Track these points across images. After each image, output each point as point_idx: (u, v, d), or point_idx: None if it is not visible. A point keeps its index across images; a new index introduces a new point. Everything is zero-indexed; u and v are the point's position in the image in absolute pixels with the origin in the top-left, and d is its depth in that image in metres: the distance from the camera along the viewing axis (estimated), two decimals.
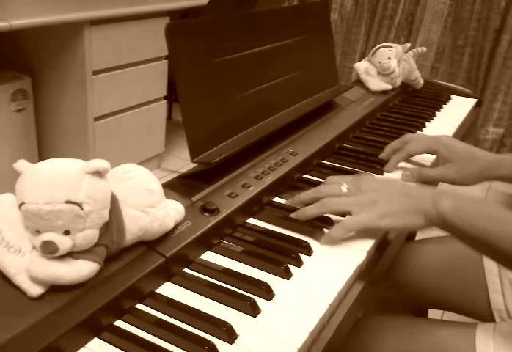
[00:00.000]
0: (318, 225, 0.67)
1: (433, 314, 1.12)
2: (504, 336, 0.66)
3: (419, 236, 1.15)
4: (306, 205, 0.68)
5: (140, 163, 0.56)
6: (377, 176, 0.69)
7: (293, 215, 0.69)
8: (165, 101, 2.18)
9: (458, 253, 0.89)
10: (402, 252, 0.94)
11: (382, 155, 0.88)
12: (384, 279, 0.98)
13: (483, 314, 0.83)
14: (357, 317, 0.63)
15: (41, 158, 1.97)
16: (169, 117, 2.70)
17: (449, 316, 0.84)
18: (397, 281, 0.95)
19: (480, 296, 0.84)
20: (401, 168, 0.86)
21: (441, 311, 1.33)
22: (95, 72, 1.78)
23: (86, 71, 1.75)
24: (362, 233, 0.67)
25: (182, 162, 2.34)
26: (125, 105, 1.97)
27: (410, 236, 1.22)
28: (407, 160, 0.88)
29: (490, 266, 0.84)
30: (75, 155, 1.92)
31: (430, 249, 0.93)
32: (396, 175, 0.84)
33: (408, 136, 0.87)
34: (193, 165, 0.72)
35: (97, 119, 1.86)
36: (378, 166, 0.86)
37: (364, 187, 0.66)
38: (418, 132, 1.05)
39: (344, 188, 0.67)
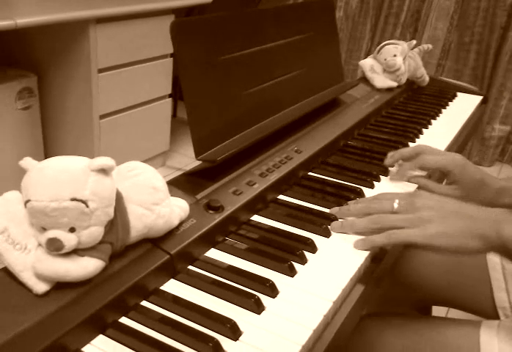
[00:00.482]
0: (322, 222, 0.67)
1: (438, 311, 1.12)
2: (508, 334, 0.66)
3: None
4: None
5: (145, 161, 0.56)
6: (431, 194, 0.66)
7: (337, 224, 0.66)
8: (170, 99, 2.18)
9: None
10: (406, 249, 0.94)
11: (388, 161, 0.83)
12: (389, 277, 0.98)
13: (488, 311, 0.83)
14: (361, 314, 0.63)
15: (47, 156, 1.98)
16: (174, 115, 2.71)
17: (453, 313, 0.83)
18: (402, 279, 0.95)
19: (484, 293, 0.84)
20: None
21: (446, 308, 1.33)
22: (101, 70, 1.78)
23: (92, 69, 1.75)
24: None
25: (187, 160, 2.34)
26: (131, 103, 1.97)
27: None
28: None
29: (494, 263, 0.84)
30: (80, 152, 1.93)
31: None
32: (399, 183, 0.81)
33: (422, 146, 0.82)
34: (198, 162, 0.72)
35: (102, 117, 1.87)
36: (383, 164, 0.86)
37: (418, 204, 0.63)
38: (424, 129, 1.05)
39: (396, 205, 0.64)
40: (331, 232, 0.66)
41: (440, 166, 0.79)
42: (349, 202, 0.72)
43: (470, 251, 0.60)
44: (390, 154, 0.84)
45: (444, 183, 0.81)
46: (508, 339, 0.65)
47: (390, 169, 0.85)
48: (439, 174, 0.85)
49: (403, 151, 0.83)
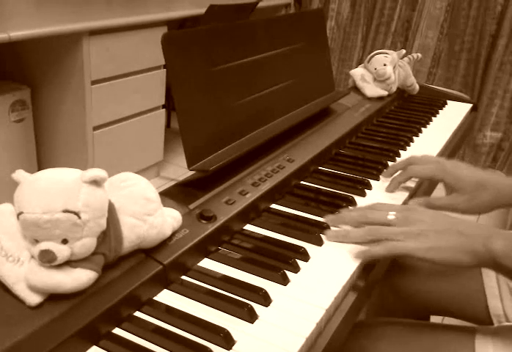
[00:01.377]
0: (315, 231, 0.67)
1: (433, 319, 1.12)
2: (503, 340, 0.66)
3: None
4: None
5: (139, 172, 0.57)
6: (425, 209, 0.67)
7: (332, 233, 0.67)
8: (163, 110, 2.19)
9: None
10: (400, 259, 0.94)
11: (384, 175, 0.85)
12: (383, 286, 0.98)
13: (482, 319, 0.84)
14: (355, 321, 0.63)
15: (40, 168, 1.98)
16: (168, 126, 2.71)
17: (448, 322, 0.84)
18: (396, 288, 0.95)
19: (479, 301, 0.84)
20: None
21: (441, 317, 1.33)
22: (94, 82, 1.79)
23: (85, 81, 1.76)
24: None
25: (181, 170, 2.35)
26: (124, 114, 1.98)
27: None
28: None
29: (488, 271, 0.84)
30: (74, 164, 1.93)
31: None
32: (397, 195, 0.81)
33: (414, 157, 0.82)
34: (192, 173, 0.73)
35: (96, 128, 1.87)
36: (375, 172, 0.86)
37: (412, 218, 0.64)
38: (415, 137, 1.06)
39: (391, 217, 0.64)
40: (324, 241, 0.67)
41: (431, 176, 0.79)
42: (342, 210, 0.72)
43: (462, 265, 0.61)
44: (387, 170, 0.86)
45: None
46: (503, 346, 0.65)
47: (381, 177, 0.86)
48: (431, 182, 0.85)
49: (396, 164, 0.84)
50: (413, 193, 0.84)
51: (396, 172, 0.83)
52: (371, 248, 0.63)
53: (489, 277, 0.83)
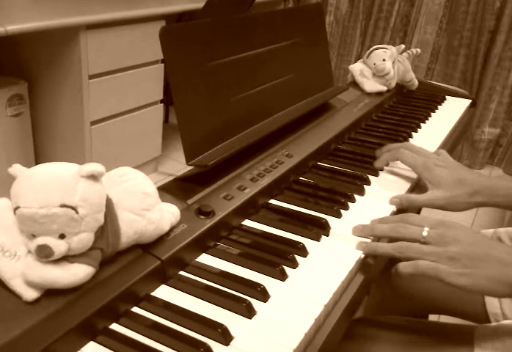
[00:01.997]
0: (313, 226, 0.67)
1: (430, 318, 1.12)
2: (501, 339, 0.66)
3: None
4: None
5: (137, 167, 0.56)
6: (463, 226, 0.63)
7: (360, 245, 0.64)
8: (161, 105, 2.18)
9: None
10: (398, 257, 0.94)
11: (377, 152, 0.88)
12: (382, 285, 0.98)
13: (480, 317, 0.84)
14: (353, 317, 0.63)
15: (37, 163, 1.97)
16: (166, 121, 2.71)
17: (446, 320, 0.84)
18: (394, 286, 0.95)
19: (476, 299, 0.84)
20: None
21: (437, 315, 1.33)
22: (91, 77, 1.78)
23: (83, 75, 1.75)
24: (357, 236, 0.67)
25: (179, 165, 2.34)
26: (122, 109, 1.97)
27: None
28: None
29: None
30: (71, 159, 1.92)
31: None
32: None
33: (410, 144, 0.84)
34: (190, 168, 0.72)
35: (93, 123, 1.86)
36: (374, 167, 0.86)
37: (448, 237, 0.59)
38: (414, 133, 1.05)
39: (425, 233, 0.60)
40: (322, 236, 0.66)
41: (410, 165, 0.80)
42: (372, 220, 0.69)
43: (497, 296, 0.60)
44: (380, 148, 0.88)
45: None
46: (501, 345, 0.65)
47: (380, 173, 0.86)
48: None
49: (391, 145, 0.87)
50: (412, 188, 0.84)
51: (387, 150, 0.86)
52: (401, 264, 0.60)
53: None
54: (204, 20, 0.76)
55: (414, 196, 0.76)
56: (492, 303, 0.82)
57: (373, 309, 1.08)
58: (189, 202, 0.65)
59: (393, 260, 0.62)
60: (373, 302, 1.08)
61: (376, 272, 0.66)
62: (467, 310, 0.86)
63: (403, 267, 0.60)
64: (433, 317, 1.07)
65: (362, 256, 0.63)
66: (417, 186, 0.85)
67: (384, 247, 0.62)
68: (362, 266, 0.63)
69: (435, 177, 0.76)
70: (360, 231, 0.66)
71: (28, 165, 0.48)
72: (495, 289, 0.57)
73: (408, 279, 0.91)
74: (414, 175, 0.84)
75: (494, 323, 0.81)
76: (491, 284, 0.57)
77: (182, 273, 0.58)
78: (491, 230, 0.92)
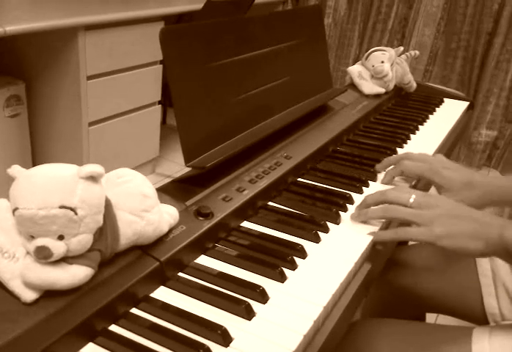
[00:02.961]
0: (312, 228, 0.67)
1: (428, 317, 1.12)
2: (500, 340, 0.66)
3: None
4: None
5: (135, 168, 0.56)
6: (447, 198, 0.69)
7: (354, 214, 0.71)
8: (159, 106, 2.18)
9: (452, 256, 0.89)
10: (396, 256, 0.94)
11: (378, 167, 0.87)
12: (380, 283, 0.98)
13: (478, 317, 0.84)
14: (352, 319, 0.63)
15: (35, 164, 1.96)
16: (164, 122, 2.70)
17: (443, 319, 0.84)
18: (393, 286, 0.95)
19: (475, 299, 0.84)
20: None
21: (436, 314, 1.33)
22: (90, 77, 1.78)
23: (81, 76, 1.75)
24: (355, 237, 0.67)
25: (177, 167, 2.34)
26: (120, 110, 1.97)
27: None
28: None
29: (484, 270, 0.85)
30: (69, 160, 1.92)
31: (424, 253, 0.93)
32: None
33: (410, 153, 0.84)
34: (188, 169, 0.72)
35: (91, 124, 1.86)
36: (372, 169, 0.86)
37: (431, 201, 0.66)
38: (412, 135, 1.06)
39: (412, 200, 0.66)
40: (321, 238, 0.67)
41: (417, 174, 0.81)
42: (357, 206, 0.73)
43: (472, 252, 0.63)
44: (381, 163, 0.87)
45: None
46: (500, 346, 0.65)
47: (378, 175, 0.86)
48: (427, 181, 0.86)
49: (391, 158, 0.86)
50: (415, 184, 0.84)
51: (389, 166, 0.85)
52: (381, 232, 0.67)
53: (486, 276, 0.84)
54: (203, 21, 0.76)
55: None
56: (491, 305, 0.82)
57: (371, 310, 1.08)
58: (188, 203, 0.65)
59: (391, 257, 0.63)
60: (370, 304, 1.08)
61: (375, 273, 0.66)
62: (465, 310, 0.86)
63: (386, 233, 0.66)
64: (431, 317, 1.07)
65: (361, 258, 0.63)
66: (417, 188, 0.85)
67: (374, 210, 0.68)
68: (361, 268, 0.63)
69: (446, 180, 0.77)
70: (356, 218, 0.71)
71: (25, 166, 0.48)
72: (472, 246, 0.62)
73: (404, 275, 0.92)
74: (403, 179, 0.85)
75: (492, 324, 0.81)
76: (469, 241, 0.62)
77: (181, 274, 0.58)
78: None
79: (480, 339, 0.67)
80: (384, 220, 0.71)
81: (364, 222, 0.71)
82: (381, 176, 0.86)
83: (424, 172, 0.80)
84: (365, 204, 0.71)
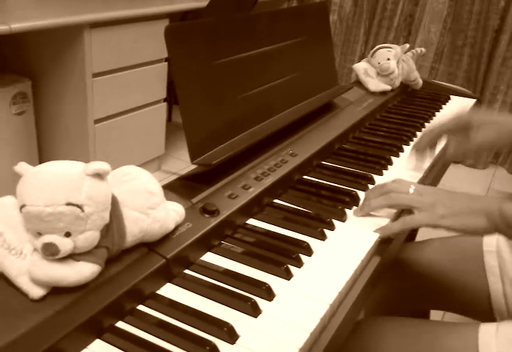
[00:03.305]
0: (318, 225, 0.67)
1: (434, 315, 1.11)
2: (506, 337, 0.66)
3: (419, 237, 1.15)
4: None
5: (140, 165, 0.56)
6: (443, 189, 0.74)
7: (357, 209, 0.73)
8: (165, 103, 2.18)
9: (459, 253, 0.89)
10: (403, 253, 0.94)
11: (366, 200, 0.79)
12: (386, 280, 0.98)
13: (484, 314, 0.83)
14: (358, 317, 0.63)
15: (41, 161, 1.97)
16: (169, 119, 2.71)
17: (450, 317, 0.84)
18: (399, 282, 0.95)
19: (482, 297, 0.84)
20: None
21: (442, 312, 1.33)
22: (95, 75, 1.78)
23: (86, 74, 1.75)
24: (361, 234, 0.67)
25: (182, 164, 2.34)
26: (125, 107, 1.97)
27: (411, 237, 1.22)
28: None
29: (491, 267, 0.84)
30: (75, 157, 1.92)
31: (431, 250, 0.93)
32: None
33: (465, 115, 0.87)
34: (193, 167, 0.72)
35: (97, 121, 1.86)
36: (378, 167, 0.86)
37: (428, 190, 0.71)
38: (418, 132, 1.05)
39: (411, 190, 0.70)
40: (327, 235, 0.66)
41: (464, 121, 0.85)
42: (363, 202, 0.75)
43: (475, 229, 0.65)
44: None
45: None
46: (507, 342, 0.65)
47: (384, 171, 0.85)
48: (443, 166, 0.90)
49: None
50: (425, 177, 0.86)
51: (426, 144, 0.88)
52: (389, 224, 0.69)
53: (493, 274, 0.83)
54: (209, 18, 0.76)
55: (472, 140, 0.83)
56: (497, 301, 0.82)
57: (374, 309, 1.08)
58: (194, 200, 0.65)
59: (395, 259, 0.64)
60: (374, 302, 1.08)
61: (382, 271, 0.66)
62: (472, 307, 0.86)
63: (394, 225, 0.68)
64: (437, 316, 1.07)
65: (368, 255, 0.63)
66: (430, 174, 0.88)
67: (377, 200, 0.71)
68: (368, 265, 0.63)
69: (485, 121, 0.83)
70: (359, 211, 0.72)
71: (31, 163, 0.48)
72: (472, 222, 0.65)
73: (406, 271, 0.92)
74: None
75: (498, 322, 0.81)
76: (469, 217, 0.65)
77: (187, 271, 0.58)
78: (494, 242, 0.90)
79: (487, 335, 0.66)
80: (388, 219, 0.71)
81: (370, 217, 0.71)
82: (386, 173, 0.86)
83: (469, 121, 0.83)
84: (367, 198, 0.73)
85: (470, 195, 0.69)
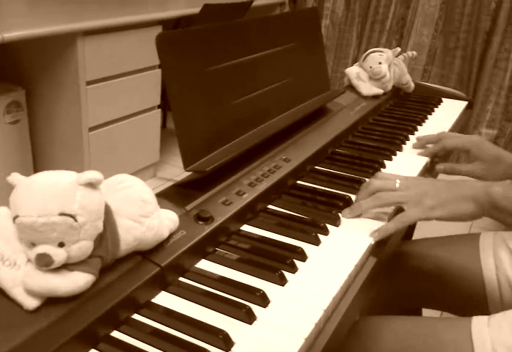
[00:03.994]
0: (312, 230, 0.67)
1: (432, 315, 1.12)
2: (499, 327, 0.66)
3: (416, 236, 1.15)
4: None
5: (136, 173, 0.57)
6: (426, 178, 0.79)
7: (346, 210, 0.73)
8: (159, 110, 2.19)
9: (454, 252, 0.90)
10: (399, 251, 0.94)
11: (416, 145, 0.97)
12: (381, 279, 0.98)
13: (480, 312, 0.84)
14: (353, 320, 0.63)
15: (36, 170, 1.97)
16: (164, 126, 2.71)
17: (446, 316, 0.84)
18: (394, 281, 0.95)
19: (478, 295, 0.84)
20: None
21: (440, 312, 1.33)
22: (89, 83, 1.79)
23: (80, 81, 1.75)
24: (355, 239, 0.67)
25: (178, 170, 2.34)
26: (120, 114, 1.97)
27: (407, 236, 1.22)
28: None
29: (488, 264, 0.85)
30: (70, 165, 1.92)
31: (426, 248, 0.93)
32: None
33: (445, 133, 0.97)
34: (189, 173, 0.72)
35: (91, 129, 1.86)
36: (371, 171, 0.86)
37: (416, 182, 0.73)
38: (411, 135, 1.06)
39: (397, 184, 0.72)
40: (321, 240, 0.67)
41: (459, 146, 0.93)
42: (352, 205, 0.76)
43: (465, 215, 0.68)
44: (418, 138, 0.99)
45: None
46: (499, 332, 0.65)
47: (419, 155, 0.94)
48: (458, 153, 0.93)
49: (428, 137, 0.97)
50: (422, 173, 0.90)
51: (426, 143, 0.96)
52: (384, 225, 0.69)
53: (489, 271, 0.84)
54: (200, 26, 0.76)
55: (458, 166, 0.91)
56: (493, 299, 0.82)
57: (369, 309, 1.08)
58: (188, 207, 0.65)
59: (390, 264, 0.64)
60: (369, 302, 1.08)
61: (378, 272, 0.66)
62: (468, 305, 0.86)
63: (389, 225, 0.69)
64: (434, 314, 1.07)
65: (362, 259, 0.63)
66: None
67: (367, 201, 0.72)
68: (363, 269, 0.63)
69: (481, 151, 0.89)
70: (350, 213, 0.73)
71: (26, 173, 0.48)
72: (461, 208, 0.68)
73: (402, 270, 0.93)
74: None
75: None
76: (456, 204, 0.68)
77: (182, 279, 0.58)
78: (491, 232, 0.91)
79: (480, 323, 0.67)
80: (381, 220, 0.72)
81: (363, 220, 0.72)
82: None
83: (465, 144, 0.91)
84: (360, 210, 0.73)
85: (452, 182, 0.72)
